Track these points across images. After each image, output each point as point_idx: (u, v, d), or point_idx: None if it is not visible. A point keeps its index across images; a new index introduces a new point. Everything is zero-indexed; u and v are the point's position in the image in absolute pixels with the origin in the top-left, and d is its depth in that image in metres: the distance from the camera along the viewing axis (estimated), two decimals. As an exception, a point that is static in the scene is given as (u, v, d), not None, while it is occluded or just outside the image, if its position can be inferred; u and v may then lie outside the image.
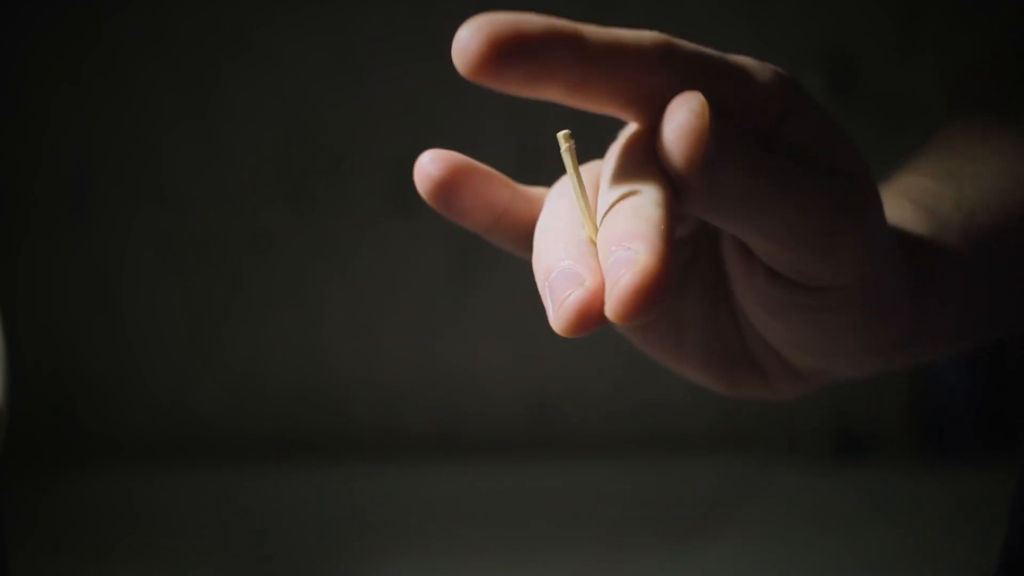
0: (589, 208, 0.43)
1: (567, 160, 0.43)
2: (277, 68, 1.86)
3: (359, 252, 1.91)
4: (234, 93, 1.87)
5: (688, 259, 0.54)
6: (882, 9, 1.86)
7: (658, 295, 0.37)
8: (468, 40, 0.40)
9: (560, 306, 0.40)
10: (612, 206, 0.41)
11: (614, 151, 0.45)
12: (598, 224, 0.42)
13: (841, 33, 1.86)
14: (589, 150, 0.53)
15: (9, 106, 1.86)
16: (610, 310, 0.38)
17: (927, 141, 0.62)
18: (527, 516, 1.69)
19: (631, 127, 0.45)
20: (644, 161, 0.42)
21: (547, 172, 1.87)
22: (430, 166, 0.48)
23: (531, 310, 1.97)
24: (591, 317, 0.39)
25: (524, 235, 0.50)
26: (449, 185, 0.47)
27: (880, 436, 1.91)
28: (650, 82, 0.41)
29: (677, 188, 0.41)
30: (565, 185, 0.47)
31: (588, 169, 0.48)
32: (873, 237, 0.45)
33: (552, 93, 0.41)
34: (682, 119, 0.39)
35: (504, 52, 0.39)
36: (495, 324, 1.91)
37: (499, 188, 0.48)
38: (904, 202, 0.53)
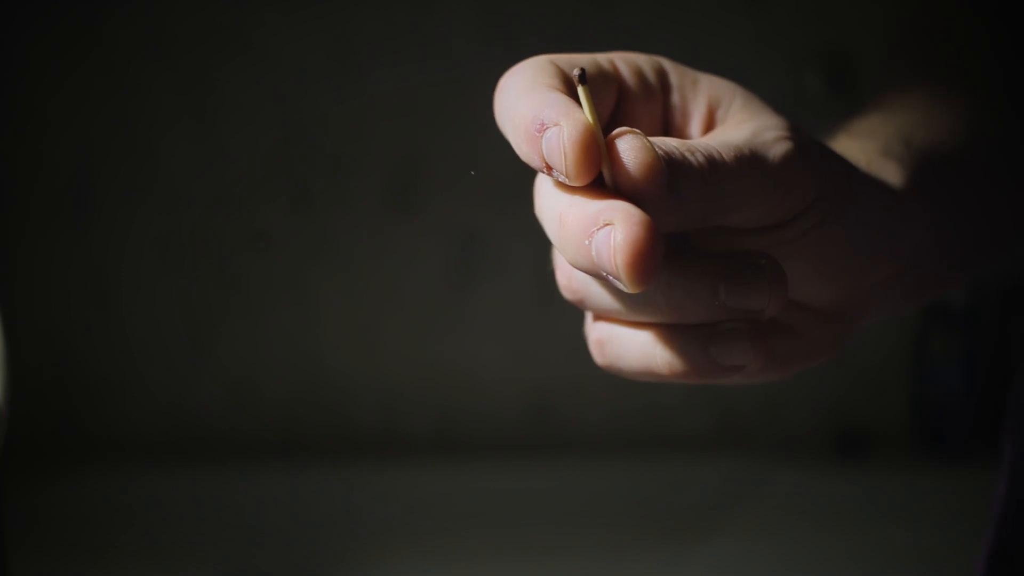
0: (603, 143, 0.43)
1: (583, 97, 0.43)
2: (277, 68, 1.86)
3: (359, 252, 1.91)
4: (234, 93, 1.87)
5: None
6: (882, 9, 1.86)
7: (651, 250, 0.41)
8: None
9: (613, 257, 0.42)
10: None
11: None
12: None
13: (841, 33, 1.86)
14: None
15: (9, 106, 1.86)
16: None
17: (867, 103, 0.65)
18: (527, 516, 1.69)
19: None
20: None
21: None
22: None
23: (531, 310, 1.97)
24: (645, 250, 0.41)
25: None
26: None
27: (880, 436, 1.91)
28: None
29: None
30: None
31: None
32: (815, 159, 0.48)
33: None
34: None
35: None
36: (495, 324, 1.91)
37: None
38: (850, 140, 0.56)
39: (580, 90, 0.43)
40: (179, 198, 1.89)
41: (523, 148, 0.44)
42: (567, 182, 0.43)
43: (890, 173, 0.54)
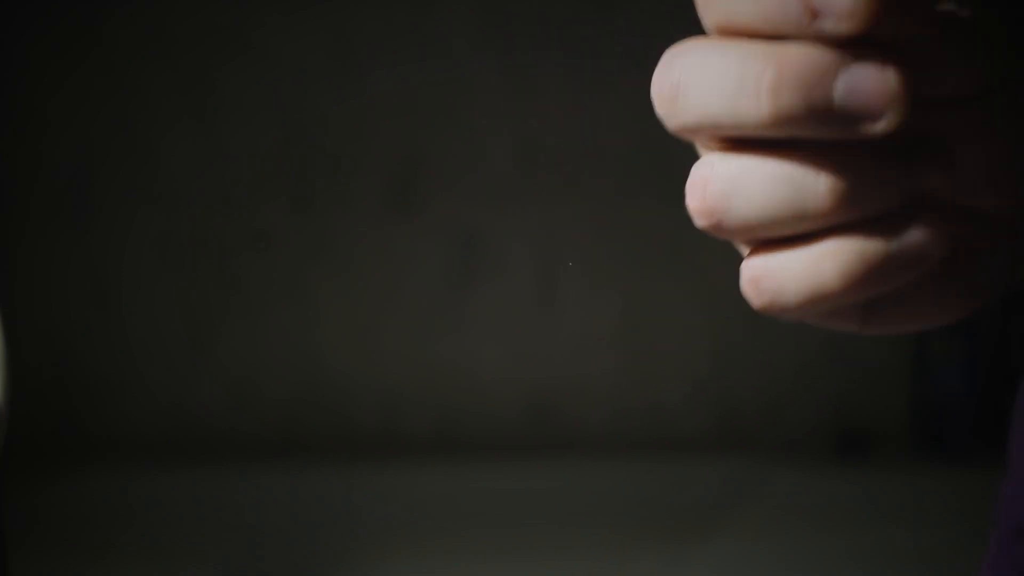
0: None
1: None
2: (277, 68, 1.86)
3: (359, 252, 1.90)
4: (234, 93, 1.87)
5: None
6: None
7: None
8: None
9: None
10: None
11: None
12: None
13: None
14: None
15: (9, 106, 1.86)
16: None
17: None
18: (527, 516, 1.69)
19: None
20: None
21: (546, 171, 1.89)
22: None
23: (531, 310, 1.97)
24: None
25: None
26: None
27: (880, 436, 1.91)
28: None
29: None
30: None
31: None
32: None
33: None
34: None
35: None
36: (495, 324, 1.91)
37: None
38: None
39: None
40: (179, 198, 1.89)
41: None
42: (844, 30, 0.36)
43: None
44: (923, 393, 1.88)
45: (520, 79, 1.84)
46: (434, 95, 1.85)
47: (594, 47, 1.79)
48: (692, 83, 0.35)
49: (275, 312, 1.92)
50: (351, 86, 1.86)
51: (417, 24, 1.84)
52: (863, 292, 0.39)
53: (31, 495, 1.71)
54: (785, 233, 0.37)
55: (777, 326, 1.62)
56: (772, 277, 0.40)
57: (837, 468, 1.84)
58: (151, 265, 1.90)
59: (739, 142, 0.35)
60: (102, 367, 1.92)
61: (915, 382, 1.89)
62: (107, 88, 1.86)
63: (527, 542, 1.63)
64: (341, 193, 1.89)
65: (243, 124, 1.87)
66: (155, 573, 1.55)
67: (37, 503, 1.70)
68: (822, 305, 0.40)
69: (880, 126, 0.35)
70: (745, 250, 0.41)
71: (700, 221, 0.35)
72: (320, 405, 1.93)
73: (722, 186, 0.35)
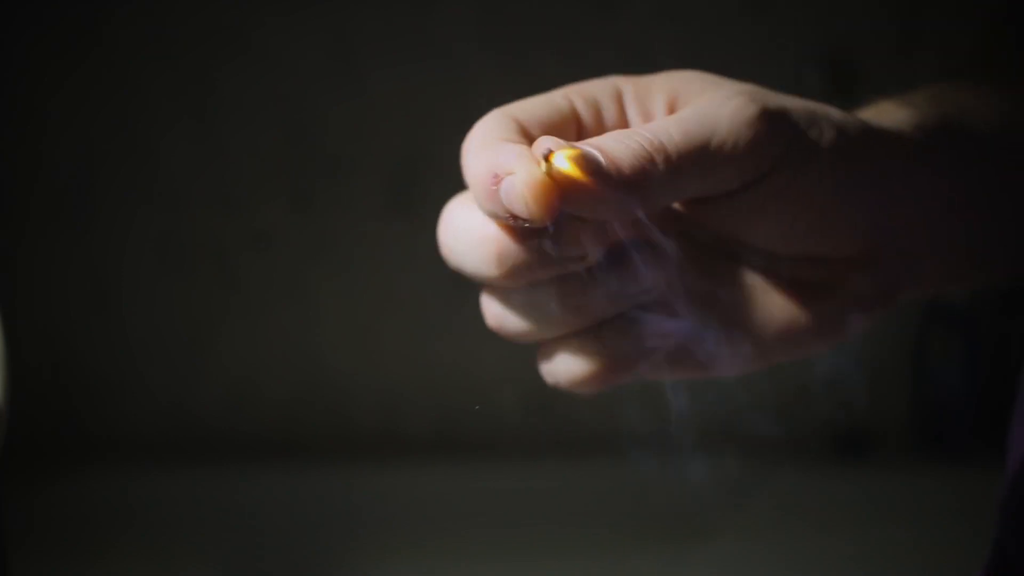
0: None
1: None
2: (277, 68, 1.86)
3: (358, 252, 1.90)
4: (234, 93, 1.87)
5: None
6: (882, 9, 1.86)
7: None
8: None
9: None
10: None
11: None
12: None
13: (841, 33, 1.86)
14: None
15: (9, 106, 1.86)
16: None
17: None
18: (527, 516, 1.69)
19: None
20: None
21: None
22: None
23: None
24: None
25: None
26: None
27: (880, 436, 1.91)
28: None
29: None
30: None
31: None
32: (777, 116, 0.49)
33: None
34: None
35: None
36: (495, 324, 1.91)
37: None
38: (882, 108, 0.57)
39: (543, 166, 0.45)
40: (179, 198, 1.89)
41: (485, 205, 0.48)
42: (534, 225, 0.46)
43: (899, 127, 0.54)
44: (923, 393, 1.88)
45: (520, 79, 1.84)
46: (434, 95, 1.85)
47: (594, 47, 1.79)
48: (452, 246, 0.52)
49: (275, 312, 1.92)
50: (351, 86, 1.86)
51: (417, 24, 1.84)
52: (607, 381, 0.52)
53: (31, 495, 1.71)
54: (548, 337, 0.50)
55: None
56: (549, 371, 0.53)
57: (837, 468, 1.84)
58: (151, 265, 1.90)
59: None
60: (102, 367, 1.92)
61: (915, 382, 1.89)
62: (107, 88, 1.86)
63: (527, 542, 1.63)
64: (341, 193, 1.89)
65: (243, 124, 1.87)
66: (155, 573, 1.55)
67: (37, 503, 1.70)
68: (591, 388, 0.54)
69: (585, 262, 0.47)
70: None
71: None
72: (320, 405, 1.93)
73: (494, 316, 0.52)
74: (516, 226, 0.47)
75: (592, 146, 0.46)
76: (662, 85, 0.52)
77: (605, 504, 1.72)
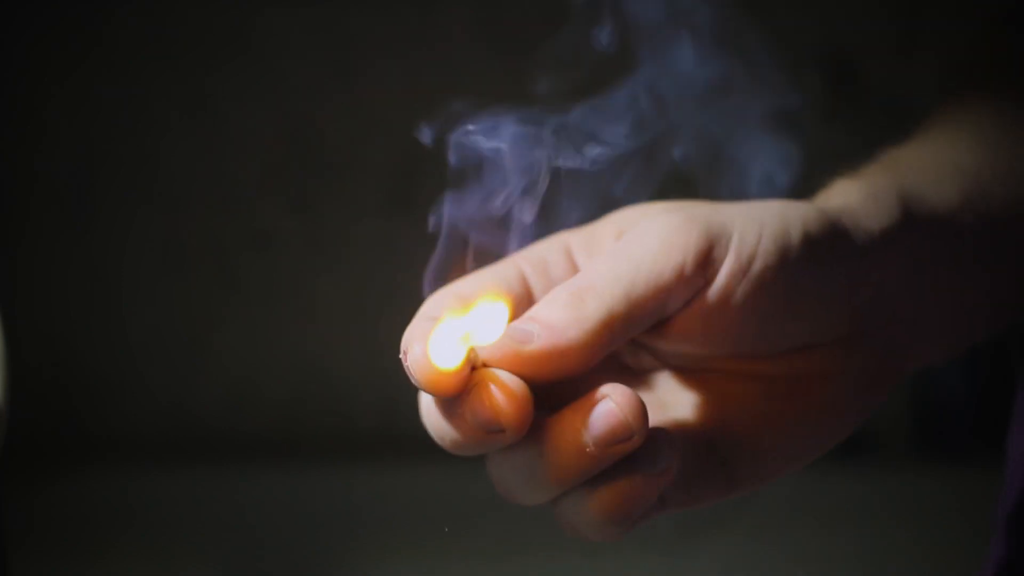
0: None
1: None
2: (277, 68, 1.86)
3: (358, 252, 1.90)
4: (234, 93, 1.87)
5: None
6: (882, 9, 1.86)
7: None
8: None
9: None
10: None
11: None
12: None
13: (841, 33, 1.86)
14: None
15: (9, 106, 1.86)
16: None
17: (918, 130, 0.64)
18: (527, 516, 1.69)
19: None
20: None
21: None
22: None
23: (531, 310, 1.97)
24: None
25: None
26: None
27: (880, 436, 1.91)
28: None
29: None
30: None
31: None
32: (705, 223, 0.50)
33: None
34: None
35: None
36: (495, 324, 1.91)
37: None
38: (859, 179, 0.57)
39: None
40: (179, 198, 1.89)
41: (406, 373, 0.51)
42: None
43: (855, 209, 0.53)
44: (923, 393, 1.88)
45: (520, 79, 1.84)
46: (434, 95, 1.85)
47: (593, 47, 1.79)
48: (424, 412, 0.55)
49: (275, 312, 1.92)
50: (351, 86, 1.86)
51: (417, 24, 1.84)
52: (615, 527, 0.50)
53: (31, 495, 1.71)
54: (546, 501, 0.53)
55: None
56: (564, 523, 0.53)
57: (837, 468, 1.84)
58: (151, 265, 1.90)
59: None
60: (102, 367, 1.92)
61: (915, 382, 1.89)
62: (107, 88, 1.86)
63: (527, 542, 1.63)
64: (341, 193, 1.89)
65: (243, 124, 1.87)
66: (155, 573, 1.55)
67: (37, 503, 1.70)
68: (615, 534, 0.53)
69: (507, 433, 0.51)
70: None
71: None
72: (320, 405, 1.93)
73: (497, 480, 0.54)
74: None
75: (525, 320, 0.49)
76: (607, 227, 0.54)
77: (605, 504, 1.71)
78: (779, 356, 0.51)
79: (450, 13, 1.85)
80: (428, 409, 0.53)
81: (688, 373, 0.52)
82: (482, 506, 1.73)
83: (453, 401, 0.50)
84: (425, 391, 0.50)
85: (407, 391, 1.87)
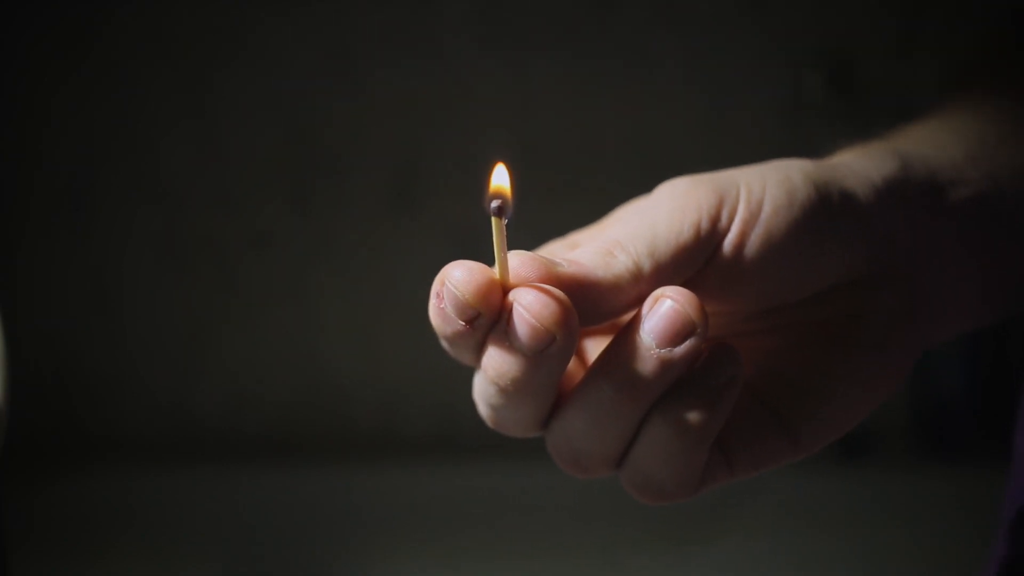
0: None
1: (495, 230, 0.54)
2: (276, 68, 1.86)
3: (359, 252, 1.90)
4: (234, 93, 1.87)
5: None
6: (882, 9, 1.86)
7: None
8: None
9: None
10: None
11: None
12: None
13: (841, 33, 1.86)
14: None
15: (9, 106, 1.86)
16: None
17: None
18: (527, 516, 1.69)
19: None
20: None
21: (547, 173, 1.88)
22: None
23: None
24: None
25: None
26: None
27: (880, 436, 1.91)
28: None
29: None
30: None
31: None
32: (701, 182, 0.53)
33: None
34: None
35: None
36: (495, 324, 1.91)
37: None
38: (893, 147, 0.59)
39: (493, 222, 0.51)
40: (179, 198, 1.89)
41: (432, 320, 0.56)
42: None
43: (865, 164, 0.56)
44: (923, 393, 1.88)
45: (520, 79, 1.84)
46: (434, 95, 1.85)
47: (594, 47, 1.79)
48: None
49: (275, 312, 1.92)
50: (351, 86, 1.86)
51: (417, 24, 1.85)
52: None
53: (31, 495, 1.71)
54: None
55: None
56: (637, 473, 0.61)
57: (837, 468, 1.84)
58: (151, 265, 1.90)
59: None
60: (102, 367, 1.92)
61: (915, 382, 1.89)
62: (107, 88, 1.86)
63: (527, 542, 1.63)
64: (341, 193, 1.89)
65: (243, 124, 1.87)
66: (155, 573, 1.55)
67: (37, 503, 1.70)
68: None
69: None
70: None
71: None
72: (320, 405, 1.93)
73: (570, 434, 0.60)
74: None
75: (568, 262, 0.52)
76: (614, 217, 0.59)
77: (606, 504, 1.72)
78: (806, 303, 0.53)
79: (450, 13, 1.85)
80: (487, 358, 0.56)
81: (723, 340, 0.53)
82: (482, 506, 1.73)
83: (497, 328, 0.52)
84: (463, 317, 0.53)
85: (407, 392, 1.88)
